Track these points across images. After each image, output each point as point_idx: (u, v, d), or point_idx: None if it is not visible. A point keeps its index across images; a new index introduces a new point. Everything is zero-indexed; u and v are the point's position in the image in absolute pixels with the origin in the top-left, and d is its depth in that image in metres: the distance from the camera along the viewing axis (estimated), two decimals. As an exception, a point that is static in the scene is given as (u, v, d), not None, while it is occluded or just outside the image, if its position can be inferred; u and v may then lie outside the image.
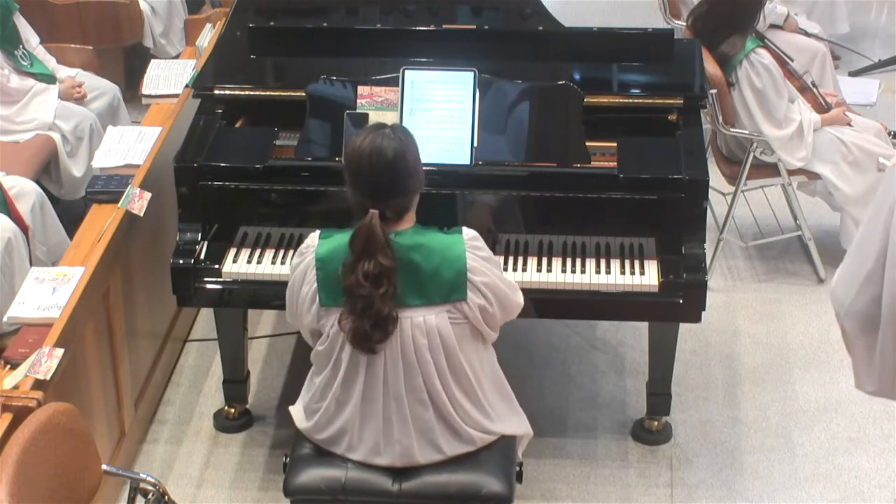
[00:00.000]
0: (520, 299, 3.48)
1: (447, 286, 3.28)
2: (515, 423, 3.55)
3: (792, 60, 5.40)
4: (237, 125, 4.40)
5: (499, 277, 3.37)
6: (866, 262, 2.87)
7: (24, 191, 4.80)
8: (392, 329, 3.25)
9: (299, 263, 3.37)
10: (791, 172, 5.24)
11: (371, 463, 3.40)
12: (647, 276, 3.97)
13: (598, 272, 3.99)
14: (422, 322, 3.28)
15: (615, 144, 4.17)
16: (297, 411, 3.54)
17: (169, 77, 5.11)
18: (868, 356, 2.99)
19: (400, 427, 3.36)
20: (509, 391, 3.57)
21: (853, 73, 6.94)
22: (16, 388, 3.51)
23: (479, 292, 3.30)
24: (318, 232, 3.38)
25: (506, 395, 3.55)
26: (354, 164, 3.27)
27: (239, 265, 4.05)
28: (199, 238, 4.08)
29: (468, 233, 3.34)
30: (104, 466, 3.41)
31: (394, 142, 3.26)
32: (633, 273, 3.98)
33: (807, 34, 6.27)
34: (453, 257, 3.28)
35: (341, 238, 3.30)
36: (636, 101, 4.35)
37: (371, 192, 3.25)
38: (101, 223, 4.20)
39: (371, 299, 3.20)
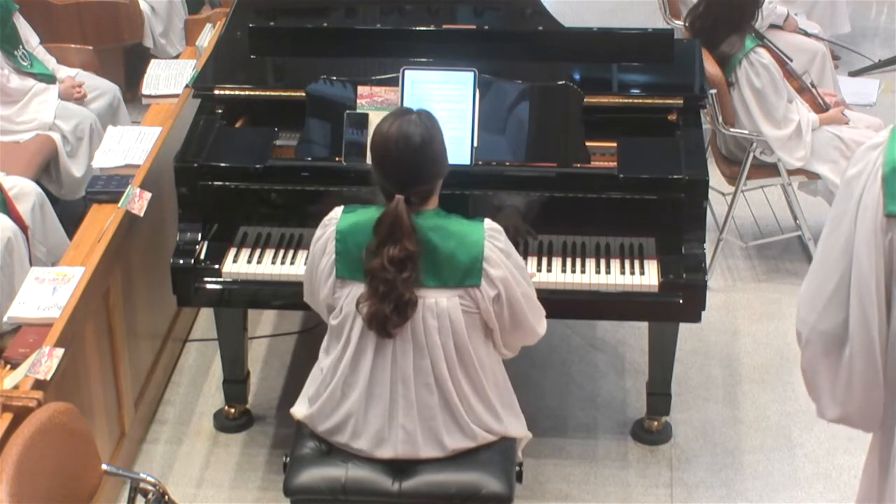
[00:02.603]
0: (539, 327, 3.45)
1: (462, 270, 3.28)
2: (516, 426, 3.55)
3: (791, 60, 5.40)
4: (237, 125, 4.40)
5: (515, 279, 3.34)
6: (829, 280, 2.70)
7: (24, 191, 4.81)
8: (411, 313, 3.26)
9: (321, 236, 3.39)
10: (791, 172, 5.24)
11: (373, 455, 3.40)
12: (647, 276, 3.97)
13: (598, 272, 3.99)
14: (433, 304, 3.29)
15: (615, 144, 4.17)
16: (299, 405, 3.54)
17: (169, 77, 5.12)
18: (832, 380, 2.77)
19: (405, 411, 3.36)
20: (512, 396, 3.56)
21: (853, 73, 6.94)
22: (16, 388, 3.51)
23: (493, 284, 3.31)
24: (342, 207, 3.40)
25: (509, 398, 3.54)
26: (381, 149, 3.28)
27: (239, 265, 4.05)
28: (199, 238, 4.08)
29: (490, 223, 3.35)
30: (104, 466, 3.41)
31: (420, 127, 3.27)
32: (632, 273, 3.98)
33: (807, 34, 6.27)
34: (471, 242, 3.29)
35: (363, 214, 3.33)
36: (636, 101, 4.35)
37: (397, 178, 3.26)
38: (101, 223, 4.20)
39: (394, 283, 3.22)
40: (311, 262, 3.44)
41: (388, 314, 3.25)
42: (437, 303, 3.29)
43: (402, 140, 3.25)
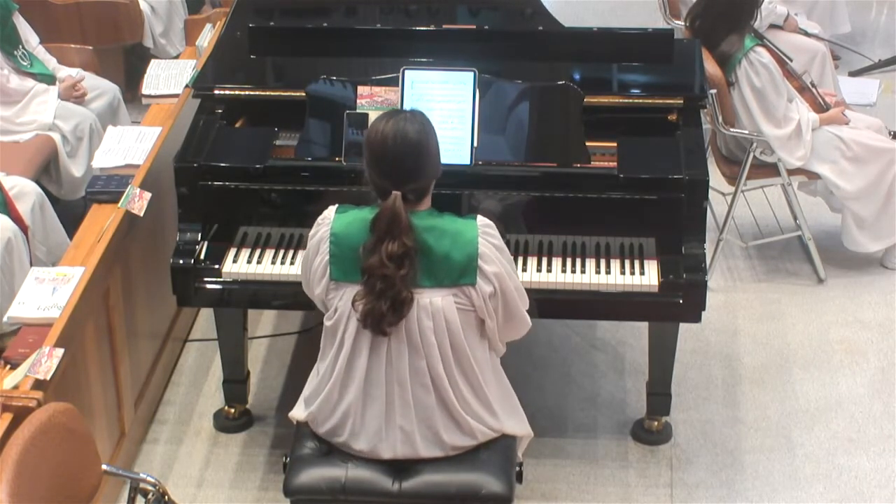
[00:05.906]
0: (527, 317, 3.47)
1: (457, 269, 3.29)
2: (516, 422, 3.55)
3: (791, 60, 5.40)
4: (237, 125, 4.40)
5: (508, 273, 3.37)
6: None
7: (24, 191, 4.80)
8: (407, 311, 3.26)
9: (315, 234, 3.39)
10: (791, 172, 5.24)
11: (373, 456, 3.40)
12: (647, 276, 3.97)
13: (598, 272, 3.99)
14: (428, 304, 3.29)
15: (615, 144, 4.17)
16: (297, 408, 3.55)
17: (169, 77, 5.11)
18: None
19: (402, 411, 3.36)
20: (511, 393, 3.57)
21: (853, 73, 6.94)
22: (16, 388, 3.51)
23: (489, 280, 3.31)
24: (335, 206, 3.40)
25: (507, 396, 3.55)
26: (378, 146, 3.28)
27: (239, 265, 4.05)
28: (199, 238, 4.08)
29: (482, 220, 3.36)
30: (104, 466, 3.41)
31: (416, 124, 3.29)
32: (633, 273, 3.98)
33: (807, 34, 6.27)
34: (465, 241, 3.29)
35: (356, 214, 3.33)
36: (636, 101, 4.35)
37: (394, 175, 3.26)
38: (101, 223, 4.20)
39: (392, 280, 3.22)
40: (306, 258, 3.44)
41: (385, 311, 3.24)
42: (432, 302, 3.29)
43: (399, 136, 3.25)
